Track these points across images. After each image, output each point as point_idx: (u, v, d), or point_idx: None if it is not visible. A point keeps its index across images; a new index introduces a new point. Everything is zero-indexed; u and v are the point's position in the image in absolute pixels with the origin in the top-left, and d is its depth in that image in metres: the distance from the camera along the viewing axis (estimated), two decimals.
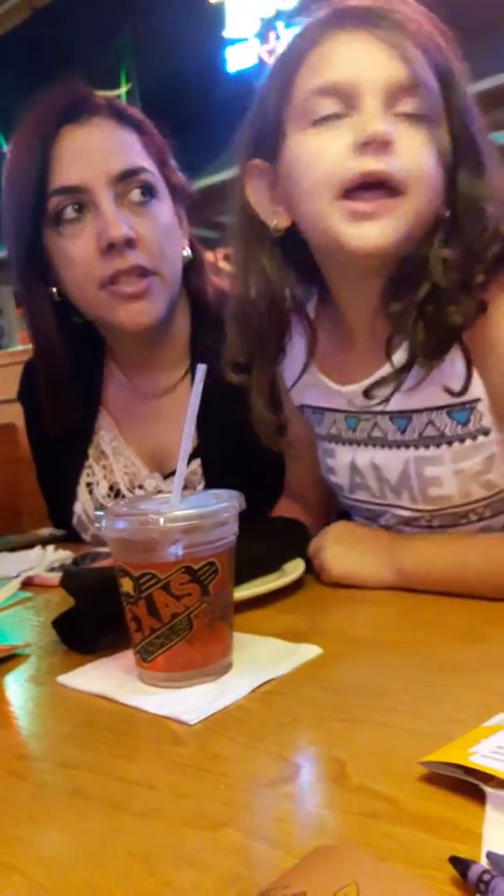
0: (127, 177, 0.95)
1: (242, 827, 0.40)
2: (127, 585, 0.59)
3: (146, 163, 0.98)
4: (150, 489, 1.08)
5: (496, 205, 0.71)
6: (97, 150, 0.95)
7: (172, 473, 1.03)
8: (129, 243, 0.93)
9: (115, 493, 1.11)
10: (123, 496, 1.10)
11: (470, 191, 0.70)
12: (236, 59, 5.12)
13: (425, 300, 0.71)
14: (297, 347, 0.86)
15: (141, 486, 1.09)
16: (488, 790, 0.38)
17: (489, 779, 0.39)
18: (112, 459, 1.11)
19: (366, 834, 0.38)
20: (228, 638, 0.61)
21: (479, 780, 0.39)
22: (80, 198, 0.94)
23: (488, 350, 0.73)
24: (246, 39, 5.02)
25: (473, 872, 0.32)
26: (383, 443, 0.82)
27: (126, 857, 0.39)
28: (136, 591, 0.58)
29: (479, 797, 0.39)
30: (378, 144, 0.67)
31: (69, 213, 0.94)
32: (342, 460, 0.87)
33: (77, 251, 0.95)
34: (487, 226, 0.70)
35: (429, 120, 0.69)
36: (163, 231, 0.98)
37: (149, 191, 0.97)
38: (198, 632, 0.58)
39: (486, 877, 0.32)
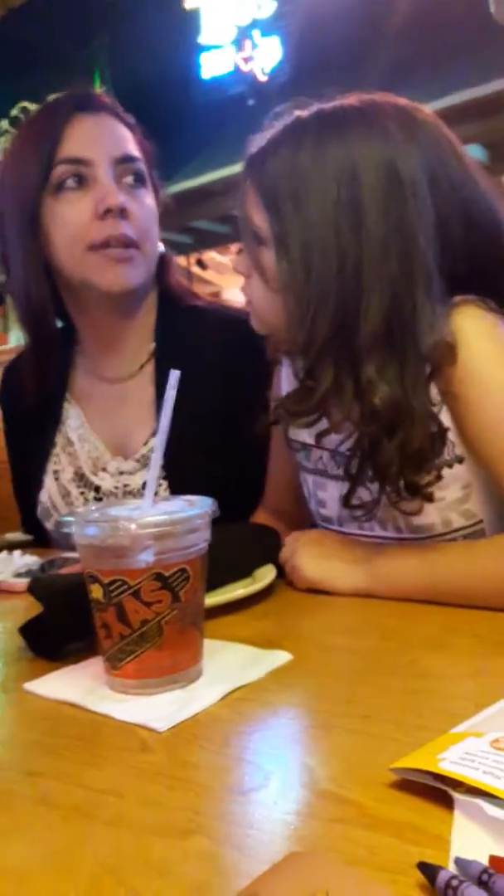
0: (125, 161, 1.06)
1: (212, 835, 0.40)
2: (96, 592, 0.58)
3: (140, 156, 1.09)
4: (113, 471, 1.12)
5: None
6: (103, 135, 1.06)
7: (135, 455, 1.09)
8: (123, 213, 1.03)
9: (80, 477, 1.14)
10: (88, 480, 1.12)
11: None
12: (211, 66, 5.13)
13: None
14: (284, 376, 0.90)
15: (105, 469, 1.12)
16: (457, 796, 0.39)
17: (458, 785, 0.39)
18: (77, 445, 1.15)
19: (335, 840, 0.38)
20: (199, 644, 0.61)
21: (448, 787, 0.39)
22: (83, 170, 1.04)
23: (453, 384, 0.75)
24: (221, 46, 5.04)
25: (441, 878, 0.32)
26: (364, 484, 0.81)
27: (94, 866, 0.38)
28: (106, 598, 0.57)
29: (448, 803, 0.39)
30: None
31: (70, 182, 1.04)
32: (333, 493, 0.88)
33: (73, 214, 1.04)
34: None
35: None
36: (149, 213, 1.08)
37: (140, 179, 1.08)
38: (168, 638, 0.58)
39: (454, 882, 0.32)
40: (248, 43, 5.04)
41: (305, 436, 0.89)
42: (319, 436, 0.82)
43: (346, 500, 0.80)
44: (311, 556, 0.82)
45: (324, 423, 0.79)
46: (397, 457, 0.73)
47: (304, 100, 0.80)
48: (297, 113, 0.79)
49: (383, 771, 0.42)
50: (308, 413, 0.79)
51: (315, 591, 0.81)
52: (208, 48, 5.10)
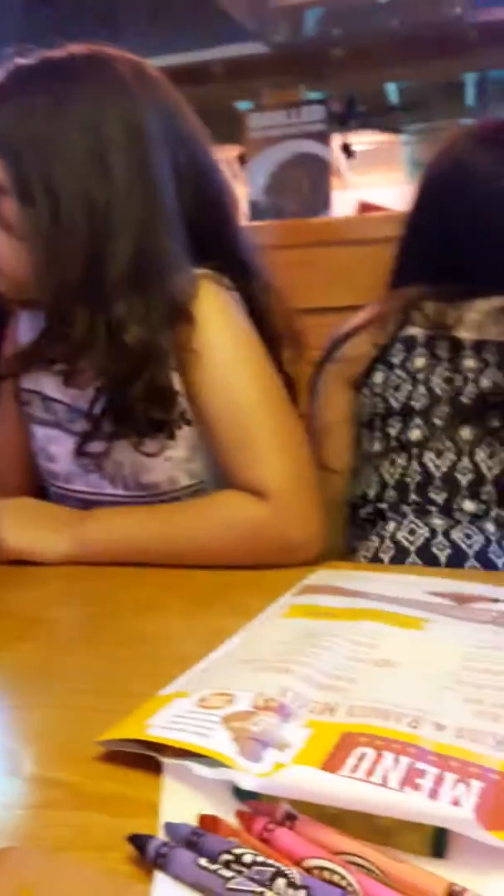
0: None
1: None
2: None
3: None
4: None
5: None
6: None
7: None
8: None
9: None
10: None
11: None
12: None
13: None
14: (22, 326, 0.85)
15: None
16: (164, 760, 0.39)
17: (166, 749, 0.39)
18: None
19: (41, 827, 0.36)
20: None
21: (157, 752, 0.39)
22: None
23: (185, 347, 0.77)
24: None
25: (152, 847, 0.32)
26: (101, 434, 0.80)
27: None
28: None
29: (159, 770, 0.39)
30: None
31: None
32: (66, 448, 0.84)
33: None
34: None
35: None
36: None
37: None
38: None
39: (164, 849, 0.32)
40: None
41: (44, 385, 0.85)
42: (66, 381, 0.80)
43: (80, 448, 0.80)
44: (12, 526, 0.77)
45: (70, 371, 0.79)
46: (144, 394, 0.75)
47: (24, 47, 0.77)
48: (19, 60, 0.76)
49: (91, 745, 0.41)
50: (65, 359, 0.78)
51: (20, 562, 0.76)
52: None
